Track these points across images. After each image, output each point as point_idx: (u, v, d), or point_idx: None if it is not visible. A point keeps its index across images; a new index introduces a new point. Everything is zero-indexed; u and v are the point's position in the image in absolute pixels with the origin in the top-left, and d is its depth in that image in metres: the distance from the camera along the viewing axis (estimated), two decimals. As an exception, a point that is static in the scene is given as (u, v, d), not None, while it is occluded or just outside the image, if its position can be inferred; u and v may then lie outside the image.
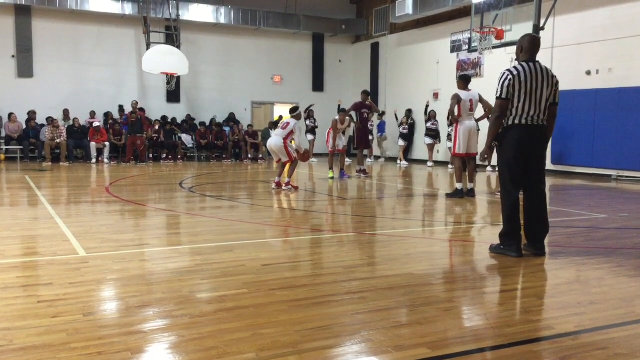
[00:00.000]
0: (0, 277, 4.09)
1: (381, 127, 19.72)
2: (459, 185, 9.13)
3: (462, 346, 2.90)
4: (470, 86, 9.36)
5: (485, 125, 8.40)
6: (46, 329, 3.02)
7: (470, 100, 9.10)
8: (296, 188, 10.01)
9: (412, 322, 3.27)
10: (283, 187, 9.92)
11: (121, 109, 18.15)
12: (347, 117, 12.73)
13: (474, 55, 16.51)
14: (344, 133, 12.80)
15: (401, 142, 18.10)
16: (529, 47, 4.97)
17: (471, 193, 9.15)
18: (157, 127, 17.77)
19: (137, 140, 16.40)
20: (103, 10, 18.03)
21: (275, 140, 9.93)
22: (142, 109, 17.65)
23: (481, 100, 9.18)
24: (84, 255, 4.81)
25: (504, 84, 4.84)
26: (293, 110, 10.20)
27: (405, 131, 18.13)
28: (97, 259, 4.70)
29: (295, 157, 9.98)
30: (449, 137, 17.25)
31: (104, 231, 6.07)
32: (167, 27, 18.89)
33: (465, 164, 9.32)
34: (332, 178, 12.31)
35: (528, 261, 4.79)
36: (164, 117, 18.76)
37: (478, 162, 9.16)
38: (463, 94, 9.12)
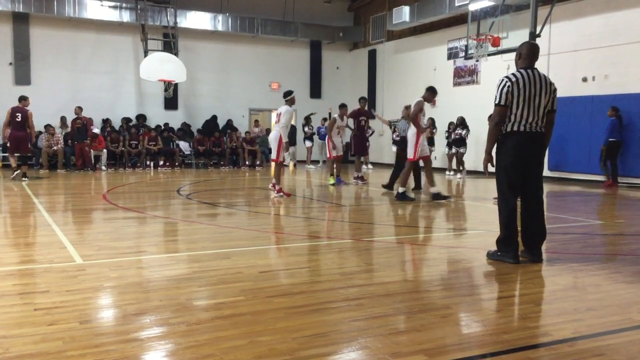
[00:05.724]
0: (-3, 284, 4.09)
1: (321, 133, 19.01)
2: (402, 188, 9.62)
3: (459, 353, 2.90)
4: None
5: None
6: (42, 337, 3.01)
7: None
8: (288, 195, 9.97)
9: (410, 329, 3.27)
10: (273, 195, 9.91)
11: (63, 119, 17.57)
12: (346, 116, 12.66)
13: (470, 62, 16.58)
14: (339, 133, 12.45)
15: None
16: (528, 54, 4.99)
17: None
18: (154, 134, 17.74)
19: (84, 147, 15.85)
20: (101, 17, 18.07)
21: (274, 133, 10.09)
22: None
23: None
24: (81, 263, 4.80)
25: (502, 91, 4.85)
26: (286, 95, 10.05)
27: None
28: (94, 266, 4.69)
29: (282, 160, 10.05)
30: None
31: (101, 238, 6.06)
32: (164, 35, 18.92)
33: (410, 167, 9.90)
34: (334, 184, 12.30)
35: (525, 267, 4.80)
36: (158, 126, 18.74)
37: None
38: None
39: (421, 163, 10.15)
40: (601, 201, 10.68)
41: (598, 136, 13.31)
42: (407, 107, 11.66)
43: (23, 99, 12.66)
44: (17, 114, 12.44)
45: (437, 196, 9.47)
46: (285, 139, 9.84)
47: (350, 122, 13.02)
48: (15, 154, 12.90)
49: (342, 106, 12.72)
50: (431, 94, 9.69)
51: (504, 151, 4.96)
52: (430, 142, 17.02)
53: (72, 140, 15.98)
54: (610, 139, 12.63)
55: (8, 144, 13.11)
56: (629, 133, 12.86)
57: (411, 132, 9.69)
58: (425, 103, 9.67)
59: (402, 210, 8.95)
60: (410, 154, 9.70)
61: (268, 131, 19.31)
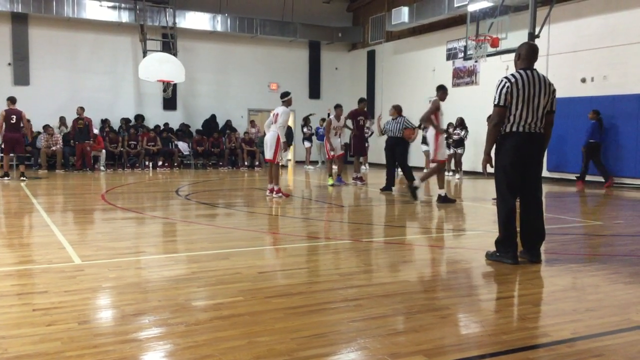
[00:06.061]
0: (-5, 285, 4.08)
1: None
2: (443, 192, 9.51)
3: (458, 353, 2.90)
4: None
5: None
6: (41, 338, 3.01)
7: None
8: (287, 196, 9.98)
9: (408, 329, 3.27)
10: (273, 196, 9.89)
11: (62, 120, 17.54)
12: (344, 117, 12.69)
13: (469, 63, 16.59)
14: (337, 134, 12.55)
15: (424, 148, 17.91)
16: (527, 55, 4.99)
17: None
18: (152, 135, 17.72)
19: (86, 147, 15.80)
20: (100, 18, 18.07)
21: (270, 134, 9.92)
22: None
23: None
24: (80, 263, 4.79)
25: (501, 91, 4.85)
26: (283, 96, 9.99)
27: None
28: (93, 266, 4.68)
29: (279, 161, 9.97)
30: (425, 141, 16.92)
31: (100, 239, 6.06)
32: (163, 35, 18.92)
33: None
34: (333, 185, 12.30)
35: (524, 268, 4.80)
36: (157, 126, 18.71)
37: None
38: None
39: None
40: (600, 202, 10.68)
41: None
42: (395, 107, 11.60)
43: (15, 100, 12.93)
44: (13, 116, 12.69)
45: (444, 199, 9.45)
46: (283, 139, 9.83)
47: (349, 122, 13.00)
48: (10, 154, 13.12)
49: (338, 107, 12.74)
50: (444, 92, 9.61)
51: (503, 152, 4.96)
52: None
53: (74, 140, 15.95)
54: (590, 140, 12.90)
55: (2, 146, 13.32)
56: (625, 133, 12.88)
57: (430, 133, 9.51)
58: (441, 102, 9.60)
59: (400, 211, 8.96)
60: (433, 155, 9.56)
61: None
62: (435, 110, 9.35)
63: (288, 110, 9.92)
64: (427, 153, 16.91)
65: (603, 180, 12.88)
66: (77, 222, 7.56)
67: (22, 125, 12.88)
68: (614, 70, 13.18)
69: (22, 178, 12.55)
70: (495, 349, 2.96)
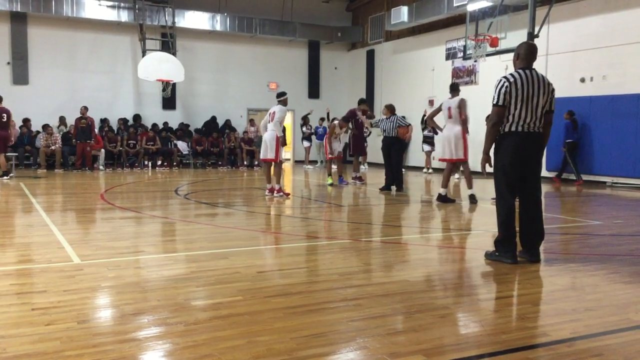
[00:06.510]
0: (-6, 284, 4.08)
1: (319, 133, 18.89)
2: (444, 191, 9.41)
3: (457, 353, 2.90)
4: (465, 93, 9.44)
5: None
6: (40, 337, 3.01)
7: (449, 109, 9.35)
8: (288, 195, 9.99)
9: (408, 329, 3.27)
10: (274, 195, 9.89)
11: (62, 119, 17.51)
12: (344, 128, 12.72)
13: (468, 63, 16.59)
14: (337, 138, 12.59)
15: (426, 148, 17.86)
16: (526, 54, 4.99)
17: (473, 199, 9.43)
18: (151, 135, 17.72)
19: (86, 147, 15.84)
20: (99, 17, 18.06)
21: (269, 133, 9.92)
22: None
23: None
24: (79, 263, 4.79)
25: (500, 91, 4.86)
26: (279, 96, 10.04)
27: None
28: (92, 266, 4.68)
29: (281, 160, 9.97)
30: (427, 140, 16.92)
31: (99, 238, 6.05)
32: (163, 34, 18.92)
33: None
34: (332, 184, 12.30)
35: (523, 268, 4.80)
36: (155, 125, 18.69)
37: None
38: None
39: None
40: (599, 201, 10.68)
41: (596, 136, 13.40)
42: (387, 107, 11.56)
43: (1, 99, 13.05)
44: (3, 115, 12.86)
45: (444, 198, 9.44)
46: (280, 134, 9.86)
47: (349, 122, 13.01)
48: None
49: (345, 120, 12.70)
50: (457, 90, 9.63)
51: (502, 151, 4.96)
52: (431, 142, 16.99)
53: (76, 139, 15.94)
54: (567, 140, 13.36)
55: None
56: (624, 133, 12.90)
57: (457, 131, 9.26)
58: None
59: (400, 211, 8.95)
60: (461, 155, 9.35)
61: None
62: (465, 108, 9.31)
63: (285, 108, 9.97)
64: (428, 153, 16.98)
65: (576, 179, 13.44)
66: (76, 221, 7.55)
67: (10, 123, 13.10)
68: (613, 70, 13.19)
69: (10, 174, 13.00)
70: (494, 349, 2.96)
